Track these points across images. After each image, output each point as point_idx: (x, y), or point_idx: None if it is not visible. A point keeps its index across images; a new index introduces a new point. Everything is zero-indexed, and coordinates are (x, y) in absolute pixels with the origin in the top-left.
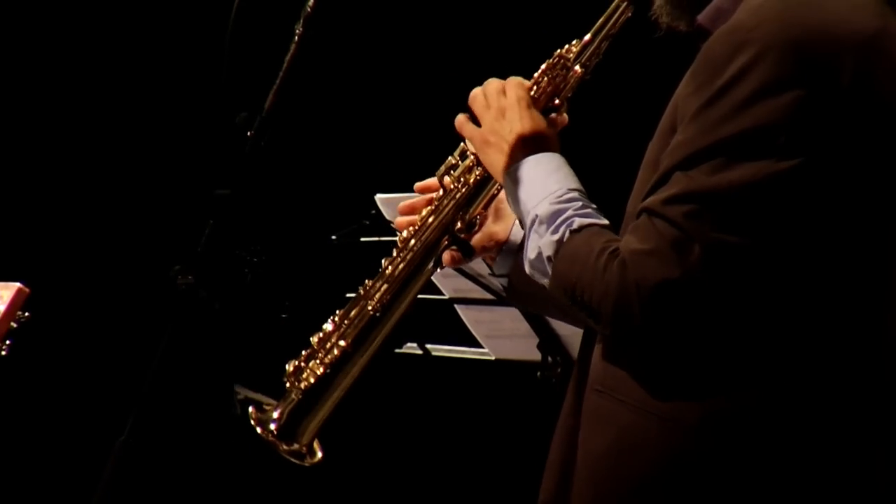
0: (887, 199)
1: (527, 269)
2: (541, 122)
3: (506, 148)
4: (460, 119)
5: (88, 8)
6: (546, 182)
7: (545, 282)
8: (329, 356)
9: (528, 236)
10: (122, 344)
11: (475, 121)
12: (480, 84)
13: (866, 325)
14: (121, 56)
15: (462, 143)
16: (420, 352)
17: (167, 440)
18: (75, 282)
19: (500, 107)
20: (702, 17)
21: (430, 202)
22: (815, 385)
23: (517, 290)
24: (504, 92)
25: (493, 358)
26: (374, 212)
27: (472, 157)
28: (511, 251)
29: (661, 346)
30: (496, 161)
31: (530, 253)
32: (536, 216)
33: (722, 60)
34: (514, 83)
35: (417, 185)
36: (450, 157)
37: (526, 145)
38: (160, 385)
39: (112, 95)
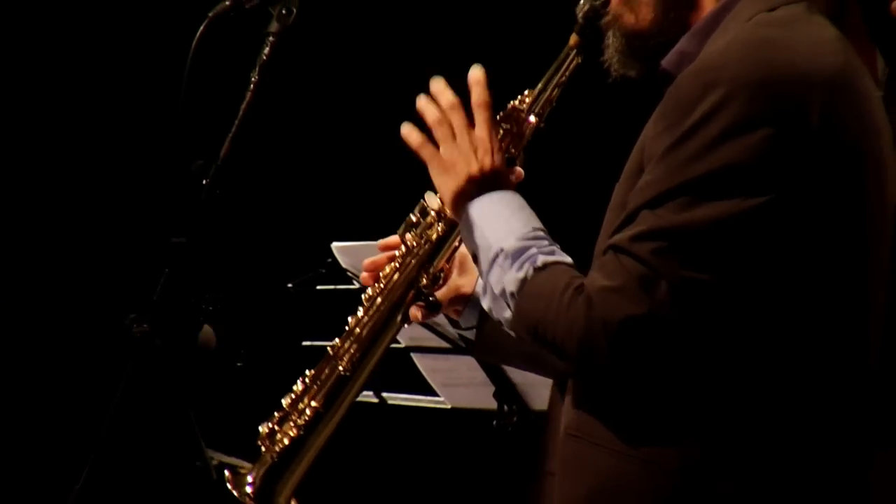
0: (854, 235)
1: (485, 304)
2: (504, 163)
3: (466, 179)
4: (417, 139)
5: (44, 60)
6: (511, 219)
7: (504, 316)
8: (302, 417)
9: (490, 269)
10: (78, 392)
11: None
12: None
13: (839, 361)
14: (76, 103)
15: (421, 201)
16: (376, 400)
17: (123, 488)
18: (30, 330)
19: (470, 140)
20: (666, 62)
21: (392, 258)
22: (790, 423)
23: (485, 343)
24: (473, 128)
25: (449, 406)
26: (330, 260)
27: (432, 214)
28: (477, 304)
29: (626, 383)
30: (451, 189)
31: (494, 287)
32: (501, 250)
33: (690, 101)
34: (483, 119)
35: (380, 243)
36: (410, 216)
37: (489, 181)
38: (116, 432)
39: (65, 144)
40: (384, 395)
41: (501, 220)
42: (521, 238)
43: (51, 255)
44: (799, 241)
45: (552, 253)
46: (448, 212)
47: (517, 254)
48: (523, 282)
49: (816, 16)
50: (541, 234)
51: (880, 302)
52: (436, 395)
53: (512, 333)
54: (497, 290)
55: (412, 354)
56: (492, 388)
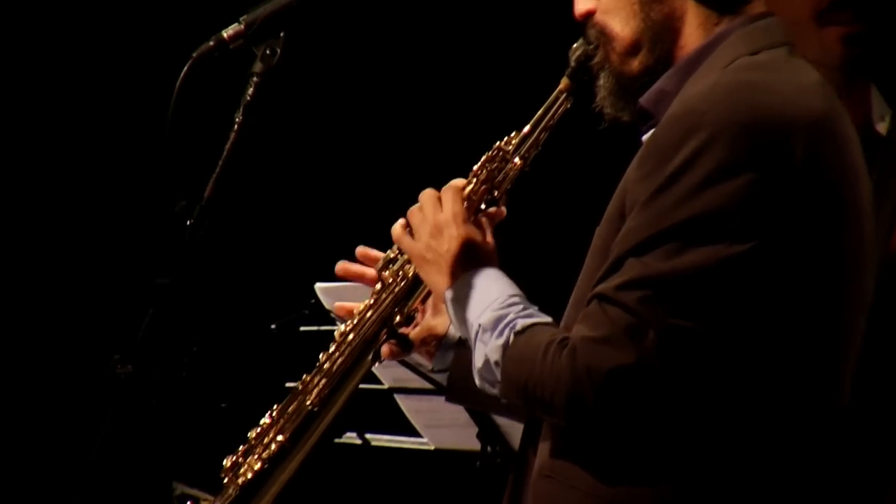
0: (834, 279)
1: (477, 382)
2: (476, 236)
3: (444, 267)
4: (398, 231)
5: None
6: (486, 293)
7: (496, 391)
8: (267, 451)
9: (475, 347)
10: (62, 432)
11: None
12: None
13: (823, 409)
14: (60, 143)
15: (388, 251)
16: (359, 441)
17: None
18: (15, 371)
19: (436, 223)
20: (644, 100)
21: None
22: (767, 468)
23: (457, 386)
24: (440, 205)
25: (432, 447)
26: (313, 301)
27: (400, 260)
28: (450, 346)
29: (615, 432)
30: (434, 280)
31: (478, 362)
32: (480, 325)
33: (673, 145)
34: (450, 194)
35: (359, 250)
36: (388, 252)
37: (463, 262)
38: (99, 473)
39: (50, 183)
40: (368, 436)
41: (476, 298)
42: (497, 308)
43: (36, 296)
44: (782, 284)
45: (530, 316)
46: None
47: (495, 323)
48: (505, 348)
49: (798, 59)
50: (516, 299)
51: (856, 345)
52: (419, 436)
53: (504, 401)
54: (481, 364)
55: (395, 395)
56: (475, 430)
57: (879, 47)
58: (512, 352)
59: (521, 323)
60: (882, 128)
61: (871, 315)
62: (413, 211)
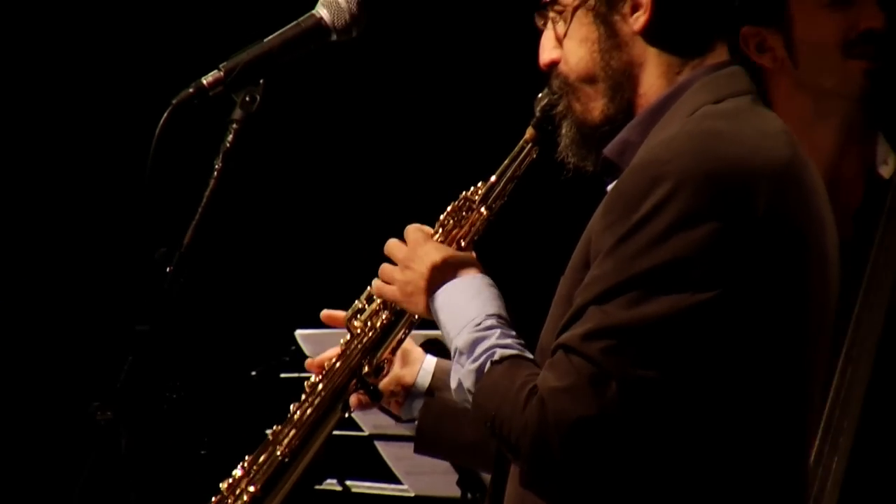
0: (797, 328)
1: (454, 395)
2: (449, 249)
3: (423, 285)
4: (377, 285)
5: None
6: (465, 310)
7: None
8: (238, 502)
9: (453, 366)
10: (42, 480)
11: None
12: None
13: (787, 456)
14: (39, 190)
15: (369, 287)
16: (339, 488)
17: None
18: None
19: (403, 259)
20: (608, 151)
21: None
22: None
23: (426, 436)
24: (404, 241)
25: (412, 494)
26: (293, 348)
27: (378, 301)
28: (418, 396)
29: (579, 481)
30: (419, 301)
31: (452, 383)
32: (456, 348)
33: (637, 195)
34: (411, 229)
35: (324, 314)
36: (356, 302)
37: (442, 274)
38: None
39: (28, 231)
40: (348, 482)
41: (454, 316)
42: (473, 329)
43: (16, 342)
44: (745, 333)
45: (509, 346)
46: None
47: (471, 347)
48: (479, 374)
49: (761, 108)
50: (494, 321)
51: (820, 392)
52: (400, 482)
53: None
54: (455, 385)
55: (376, 442)
56: (455, 476)
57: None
58: (485, 382)
59: (499, 353)
60: (885, 171)
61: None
62: (384, 267)
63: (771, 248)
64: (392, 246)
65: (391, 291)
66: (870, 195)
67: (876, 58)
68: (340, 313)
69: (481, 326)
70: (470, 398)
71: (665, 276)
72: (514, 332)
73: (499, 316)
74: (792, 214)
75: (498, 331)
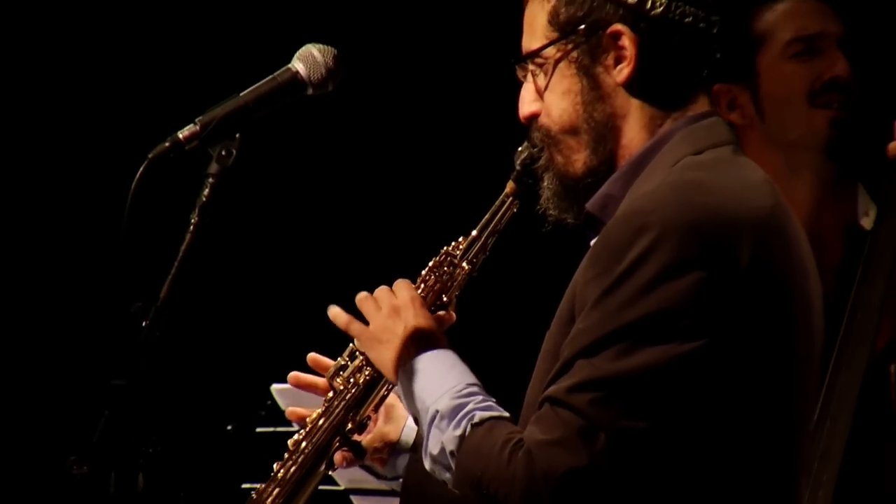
0: (783, 376)
1: (427, 465)
2: (432, 321)
3: (398, 345)
4: (344, 318)
5: None
6: (444, 378)
7: (447, 476)
8: None
9: (429, 432)
10: None
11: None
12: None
13: (768, 497)
14: (19, 244)
15: (351, 344)
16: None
17: None
18: None
19: (392, 305)
20: (590, 205)
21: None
22: None
23: (411, 492)
24: (394, 293)
25: None
26: (269, 402)
27: (360, 357)
28: (402, 452)
29: None
30: (387, 358)
31: (432, 448)
32: (437, 411)
33: (622, 246)
34: (404, 283)
35: (311, 356)
36: (339, 359)
37: (420, 341)
38: None
39: (4, 284)
40: None
41: (434, 381)
42: (455, 396)
43: None
44: (732, 382)
45: (488, 408)
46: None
47: (453, 412)
48: (461, 439)
49: (742, 158)
50: (475, 389)
51: (807, 439)
52: None
53: (456, 492)
54: (436, 451)
55: (352, 497)
56: None
57: (865, 143)
58: (468, 444)
59: (479, 415)
60: (867, 223)
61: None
62: (366, 300)
63: (756, 298)
64: (382, 292)
65: (360, 329)
66: (851, 248)
67: (841, 107)
68: (326, 360)
69: (462, 393)
70: (453, 463)
71: (651, 326)
72: (493, 399)
73: (477, 385)
74: (776, 263)
75: (478, 397)
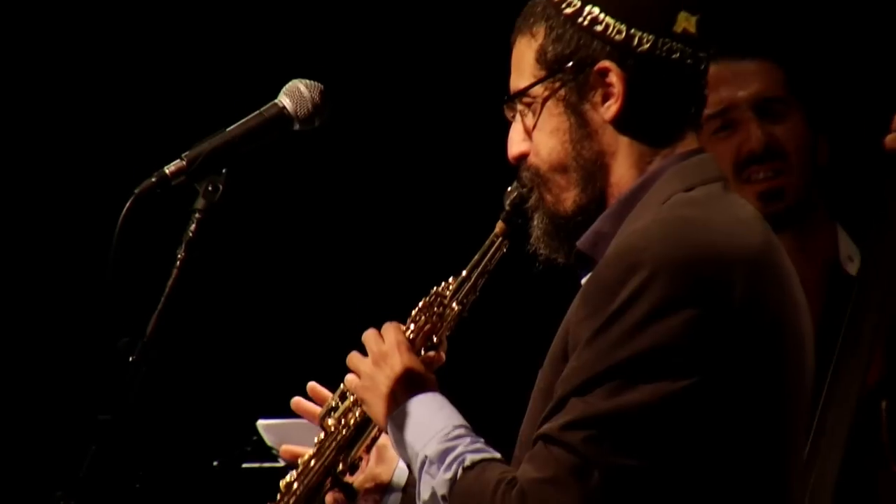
0: (775, 411)
1: None
2: (419, 365)
3: (385, 392)
4: (348, 377)
5: None
6: (432, 421)
7: None
8: None
9: (420, 478)
10: None
11: None
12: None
13: None
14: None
15: (342, 385)
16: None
17: None
18: None
19: (379, 352)
20: (581, 243)
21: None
22: None
23: None
24: (381, 338)
25: None
26: (255, 438)
27: (351, 398)
28: (394, 493)
29: None
30: (377, 406)
31: (423, 494)
32: (426, 457)
33: (614, 284)
34: (391, 327)
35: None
36: (330, 399)
37: (406, 387)
38: None
39: None
40: None
41: (422, 427)
42: (443, 440)
43: None
44: (725, 419)
45: (478, 451)
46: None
47: (442, 456)
48: (453, 482)
49: (733, 195)
50: (463, 430)
51: (799, 476)
52: None
53: None
54: (427, 496)
55: None
56: None
57: (840, 184)
58: (460, 487)
59: (469, 458)
60: (851, 268)
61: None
62: (353, 355)
63: (748, 334)
64: (369, 337)
65: (352, 381)
66: (835, 292)
67: (769, 176)
68: (313, 406)
69: (450, 436)
70: None
71: (645, 364)
72: (482, 440)
73: (465, 426)
74: (768, 300)
75: (467, 439)
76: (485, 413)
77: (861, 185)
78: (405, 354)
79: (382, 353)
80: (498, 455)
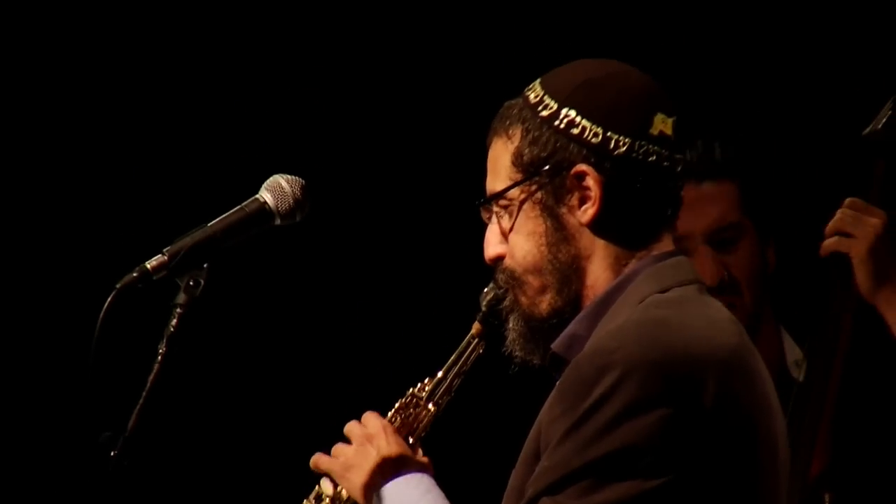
0: None
1: None
2: (405, 447)
3: (369, 470)
4: (315, 457)
5: None
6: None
7: None
8: None
9: None
10: None
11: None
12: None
13: None
14: None
15: (317, 486)
16: None
17: None
18: None
19: (364, 434)
20: (556, 346)
21: None
22: None
23: None
24: (364, 424)
25: None
26: None
27: (327, 500)
28: None
29: None
30: (357, 484)
31: None
32: None
33: (586, 384)
34: (372, 415)
35: None
36: (304, 501)
37: (391, 468)
38: None
39: None
40: None
41: None
42: None
43: None
44: None
45: None
46: None
47: None
48: None
49: (707, 297)
50: None
51: None
52: None
53: None
54: None
55: None
56: None
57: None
58: None
59: None
60: (797, 373)
61: None
62: (338, 445)
63: (720, 434)
64: (352, 425)
65: (328, 462)
66: (784, 397)
67: (718, 250)
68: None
69: None
70: None
71: (615, 464)
72: None
73: None
74: (740, 401)
75: None
76: None
77: (802, 284)
78: (392, 436)
79: (368, 435)
80: None
